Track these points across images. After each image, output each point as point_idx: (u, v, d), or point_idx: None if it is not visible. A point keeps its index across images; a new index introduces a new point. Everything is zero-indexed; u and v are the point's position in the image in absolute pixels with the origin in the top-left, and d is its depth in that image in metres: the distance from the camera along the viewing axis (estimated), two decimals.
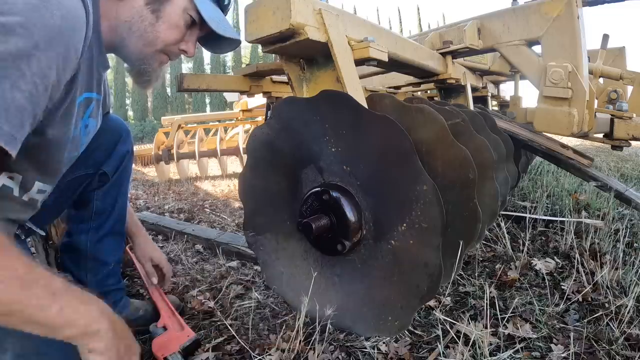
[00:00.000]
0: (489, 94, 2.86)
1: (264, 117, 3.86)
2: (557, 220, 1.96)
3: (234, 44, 0.94)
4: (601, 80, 2.69)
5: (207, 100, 26.46)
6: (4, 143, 0.53)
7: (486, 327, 1.01)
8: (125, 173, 1.14)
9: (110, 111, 1.11)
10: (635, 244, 1.69)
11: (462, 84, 2.05)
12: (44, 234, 1.02)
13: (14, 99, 0.54)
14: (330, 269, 1.07)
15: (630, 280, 1.30)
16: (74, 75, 0.69)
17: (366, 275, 1.00)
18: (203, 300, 1.34)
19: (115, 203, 1.12)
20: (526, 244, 1.61)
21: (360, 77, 1.41)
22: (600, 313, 1.15)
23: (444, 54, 1.92)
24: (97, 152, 1.05)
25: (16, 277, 0.53)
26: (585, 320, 1.14)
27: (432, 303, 1.25)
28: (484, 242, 1.74)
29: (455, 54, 1.96)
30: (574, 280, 1.36)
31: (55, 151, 0.77)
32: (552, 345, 1.02)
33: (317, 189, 1.01)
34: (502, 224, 1.68)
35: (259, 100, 4.39)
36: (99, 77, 0.83)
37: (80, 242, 1.10)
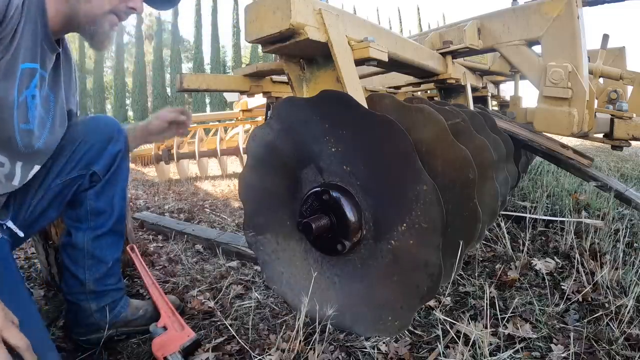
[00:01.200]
0: (489, 94, 2.86)
1: (264, 117, 3.86)
2: (557, 220, 1.96)
3: None
4: (601, 80, 2.69)
5: (207, 100, 26.46)
6: None
7: (486, 327, 1.01)
8: (119, 172, 1.12)
9: (76, 111, 1.12)
10: (635, 244, 1.69)
11: (462, 84, 2.05)
12: (22, 235, 1.01)
13: None
14: (330, 269, 1.07)
15: (630, 280, 1.30)
16: (12, 37, 0.75)
17: (366, 275, 1.00)
18: (203, 300, 1.34)
19: (112, 203, 1.12)
20: (526, 244, 1.61)
21: (360, 77, 1.41)
22: (600, 313, 1.15)
23: (444, 54, 1.92)
24: (88, 153, 1.06)
25: None
26: (585, 320, 1.14)
27: (432, 303, 1.25)
28: (484, 242, 1.74)
29: (455, 54, 1.96)
30: (574, 280, 1.36)
31: (1, 113, 0.80)
32: (552, 345, 1.02)
33: (317, 189, 1.01)
34: (502, 224, 1.68)
35: (259, 100, 4.40)
36: (43, 53, 0.86)
37: (77, 241, 1.09)
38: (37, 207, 1.03)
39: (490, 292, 1.24)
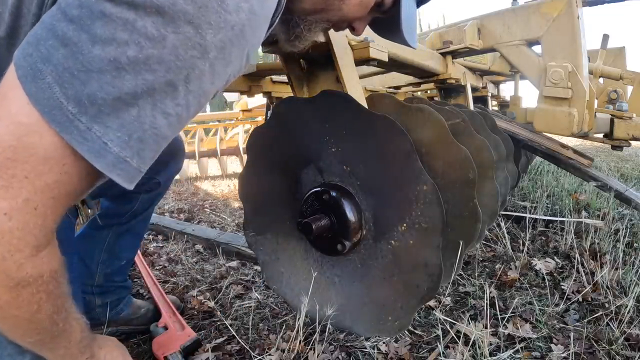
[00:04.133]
0: (489, 94, 2.86)
1: (264, 117, 3.86)
2: (557, 220, 1.96)
3: (401, 41, 0.84)
4: (601, 80, 2.68)
5: None
6: (126, 183, 0.47)
7: (486, 327, 1.01)
8: (169, 185, 1.18)
9: None
10: (635, 244, 1.69)
11: (462, 84, 2.05)
12: (90, 210, 1.02)
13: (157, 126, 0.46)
14: (330, 269, 1.07)
15: (630, 280, 1.30)
16: None
17: (366, 275, 1.00)
18: (203, 300, 1.34)
19: (149, 207, 1.15)
20: (526, 244, 1.61)
21: (360, 77, 1.41)
22: (600, 313, 1.15)
23: (444, 54, 1.92)
24: (159, 160, 1.07)
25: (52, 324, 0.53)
26: (585, 320, 1.14)
27: (432, 303, 1.25)
28: (484, 242, 1.74)
29: (455, 54, 1.96)
30: (574, 280, 1.36)
31: None
32: (552, 345, 1.02)
33: (317, 188, 1.01)
34: (502, 224, 1.68)
35: (259, 100, 4.39)
36: None
37: (102, 234, 1.10)
38: (99, 190, 1.01)
39: (490, 292, 1.24)
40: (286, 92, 2.07)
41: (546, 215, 2.09)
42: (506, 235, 1.65)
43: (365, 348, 1.04)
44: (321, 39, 1.03)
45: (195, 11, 0.43)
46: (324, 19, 0.73)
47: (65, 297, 0.54)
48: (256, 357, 1.01)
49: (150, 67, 0.43)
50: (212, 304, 1.32)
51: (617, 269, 1.37)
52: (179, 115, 0.47)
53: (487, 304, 1.04)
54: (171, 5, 0.42)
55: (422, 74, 1.89)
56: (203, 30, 0.44)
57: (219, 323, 1.21)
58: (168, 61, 0.43)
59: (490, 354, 0.97)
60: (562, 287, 1.33)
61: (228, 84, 0.54)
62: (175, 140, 1.11)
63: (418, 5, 0.86)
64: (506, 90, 3.92)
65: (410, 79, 2.16)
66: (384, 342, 1.05)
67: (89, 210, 1.18)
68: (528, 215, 1.95)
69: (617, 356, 0.97)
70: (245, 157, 1.88)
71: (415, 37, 0.85)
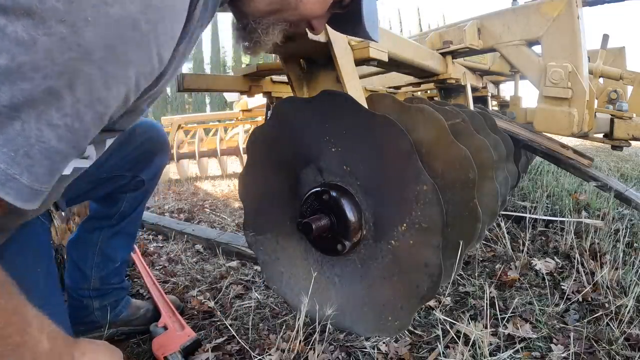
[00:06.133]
0: (489, 94, 2.86)
1: (264, 117, 3.86)
2: (557, 220, 1.96)
3: (363, 35, 0.80)
4: (601, 80, 2.69)
5: (207, 100, 26.40)
6: (20, 202, 0.43)
7: (486, 327, 1.01)
8: (156, 181, 1.16)
9: None
10: (635, 244, 1.69)
11: (462, 84, 2.05)
12: (63, 213, 1.00)
13: (44, 139, 0.42)
14: (330, 269, 1.07)
15: (630, 280, 1.30)
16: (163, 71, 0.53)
17: (366, 275, 1.00)
18: (203, 300, 1.34)
19: (138, 207, 1.14)
20: (526, 244, 1.61)
21: (360, 77, 1.41)
22: (600, 313, 1.15)
23: (444, 54, 1.92)
24: (139, 159, 1.06)
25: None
26: (585, 320, 1.14)
27: (432, 303, 1.25)
28: (484, 242, 1.74)
29: (455, 54, 1.96)
30: (574, 280, 1.36)
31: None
32: (552, 345, 1.02)
33: (317, 188, 1.01)
34: (502, 224, 1.68)
35: (259, 100, 4.39)
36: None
37: (93, 237, 1.10)
38: (78, 193, 0.97)
39: (490, 292, 1.24)
40: (286, 92, 2.06)
41: (546, 215, 2.09)
42: (506, 235, 1.65)
43: (365, 348, 1.04)
44: (322, 39, 1.04)
45: (67, 7, 0.38)
46: (280, 19, 0.69)
47: (20, 309, 0.48)
48: (256, 357, 1.01)
49: (24, 76, 0.38)
50: (212, 304, 1.32)
51: (617, 269, 1.37)
52: (68, 126, 0.43)
53: (487, 304, 1.04)
54: (39, 4, 0.37)
55: (422, 74, 1.89)
56: (79, 29, 0.39)
57: (219, 323, 1.21)
58: (44, 67, 0.39)
59: (490, 354, 0.97)
60: (562, 287, 1.33)
61: (142, 88, 0.49)
62: (156, 135, 1.08)
63: None
64: (506, 90, 3.92)
65: (410, 79, 2.16)
66: (384, 342, 1.05)
67: (62, 213, 1.17)
68: (528, 215, 1.95)
69: (617, 356, 0.97)
70: (245, 157, 1.88)
71: (377, 30, 0.81)
